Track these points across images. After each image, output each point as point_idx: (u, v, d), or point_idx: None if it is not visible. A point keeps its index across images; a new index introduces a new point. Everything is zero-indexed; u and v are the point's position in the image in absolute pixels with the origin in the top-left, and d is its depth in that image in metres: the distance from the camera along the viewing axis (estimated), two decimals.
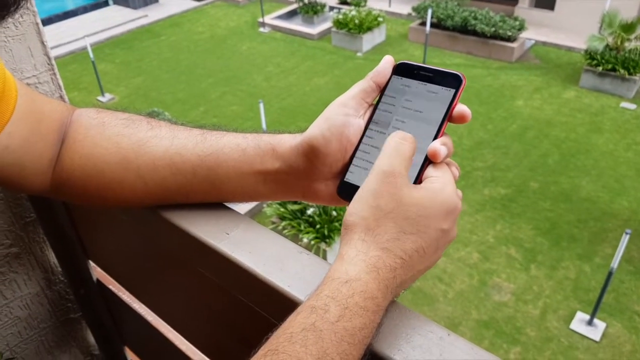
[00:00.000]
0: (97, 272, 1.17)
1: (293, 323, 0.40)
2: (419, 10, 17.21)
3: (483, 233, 9.20)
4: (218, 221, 0.60)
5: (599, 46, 13.54)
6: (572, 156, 11.14)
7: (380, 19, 17.16)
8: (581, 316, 7.51)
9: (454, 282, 8.20)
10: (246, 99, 13.98)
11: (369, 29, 16.79)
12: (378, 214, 0.45)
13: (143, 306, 1.10)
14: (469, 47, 16.29)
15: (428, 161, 0.49)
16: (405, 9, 19.08)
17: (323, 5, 18.91)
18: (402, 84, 0.52)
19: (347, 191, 0.51)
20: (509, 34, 15.56)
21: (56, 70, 0.95)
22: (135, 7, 21.68)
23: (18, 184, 0.61)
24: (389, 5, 20.12)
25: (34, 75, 0.93)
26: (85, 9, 22.30)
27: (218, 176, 0.57)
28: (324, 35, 17.73)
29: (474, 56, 16.08)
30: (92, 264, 1.16)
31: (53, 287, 1.18)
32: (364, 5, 18.93)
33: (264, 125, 10.38)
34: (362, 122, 0.53)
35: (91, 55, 13.32)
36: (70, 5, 23.01)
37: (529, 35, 16.55)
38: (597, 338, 7.23)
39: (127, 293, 1.14)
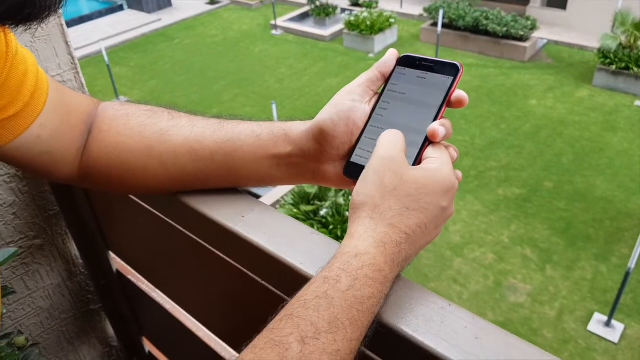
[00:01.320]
0: (117, 263, 1.20)
1: (307, 292, 0.44)
2: (431, 11, 17.18)
3: (498, 233, 9.15)
4: (234, 205, 0.63)
5: (612, 45, 13.40)
6: (587, 155, 11.04)
7: (391, 20, 17.15)
8: (599, 317, 7.43)
9: (469, 283, 8.16)
10: (259, 100, 14.06)
11: (381, 30, 16.79)
12: (383, 191, 0.48)
13: (161, 295, 1.14)
14: (481, 47, 16.22)
15: (428, 142, 0.53)
16: (417, 10, 19.04)
17: (335, 8, 18.94)
18: (405, 74, 0.56)
19: (353, 171, 0.55)
20: (521, 33, 15.46)
21: (79, 69, 1.00)
22: (149, 11, 21.89)
23: (48, 172, 0.65)
24: (401, 7, 20.09)
25: (58, 74, 0.98)
26: (100, 14, 22.56)
27: (235, 161, 0.60)
28: (336, 37, 17.76)
29: (486, 56, 16.00)
30: (112, 255, 1.19)
31: (74, 278, 1.22)
32: (376, 7, 18.93)
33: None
34: (367, 108, 0.57)
35: (106, 58, 13.49)
36: (86, 10, 23.31)
37: (541, 34, 16.43)
38: (616, 340, 7.14)
39: (146, 283, 1.17)
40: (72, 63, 0.97)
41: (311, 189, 7.93)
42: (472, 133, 12.19)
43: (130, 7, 22.72)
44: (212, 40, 18.66)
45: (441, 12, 15.49)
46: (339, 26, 17.70)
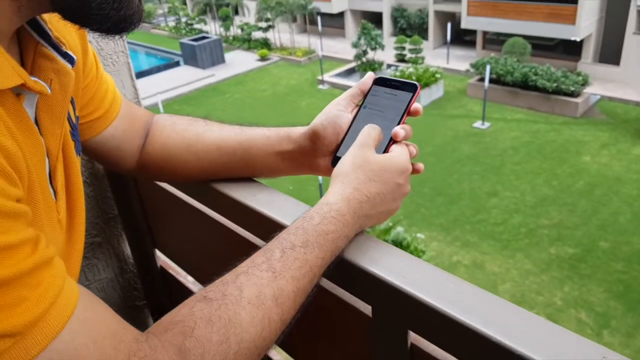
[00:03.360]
0: (161, 260, 1.34)
1: (292, 225, 0.63)
2: (478, 67, 17.25)
3: (550, 294, 8.70)
4: (249, 187, 0.84)
5: None
6: None
7: (437, 75, 17.32)
8: None
9: None
10: None
11: (427, 84, 16.95)
12: (353, 166, 0.66)
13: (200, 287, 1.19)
14: (531, 103, 16.04)
15: (392, 140, 0.71)
16: (464, 66, 19.18)
17: (381, 63, 19.36)
18: (379, 90, 0.75)
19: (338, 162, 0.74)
20: (572, 89, 15.24)
21: (140, 99, 1.22)
22: (203, 67, 23.01)
23: (117, 163, 0.85)
24: (447, 62, 20.31)
25: None
26: (158, 69, 23.91)
27: (251, 156, 0.80)
28: None
29: (535, 111, 15.79)
30: (157, 253, 1.33)
31: (125, 275, 1.36)
32: (422, 63, 19.21)
33: (320, 179, 10.49)
34: (350, 116, 0.75)
35: (161, 110, 14.16)
36: (146, 66, 24.75)
37: (594, 90, 16.13)
38: None
39: (187, 278, 1.26)
40: (135, 93, 1.20)
41: None
42: (523, 189, 11.88)
43: (186, 63, 23.96)
44: (262, 94, 19.32)
45: (488, 68, 15.52)
46: None
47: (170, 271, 1.31)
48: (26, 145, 0.48)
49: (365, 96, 0.76)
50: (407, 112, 0.71)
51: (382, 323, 0.65)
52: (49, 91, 0.53)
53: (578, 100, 15.19)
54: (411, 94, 0.71)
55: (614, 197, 11.24)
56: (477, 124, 15.28)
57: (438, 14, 22.92)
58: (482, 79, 16.40)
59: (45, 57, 0.55)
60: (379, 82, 0.75)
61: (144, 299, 1.42)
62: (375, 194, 0.65)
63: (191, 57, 23.44)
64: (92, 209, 1.22)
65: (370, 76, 0.77)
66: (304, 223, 0.61)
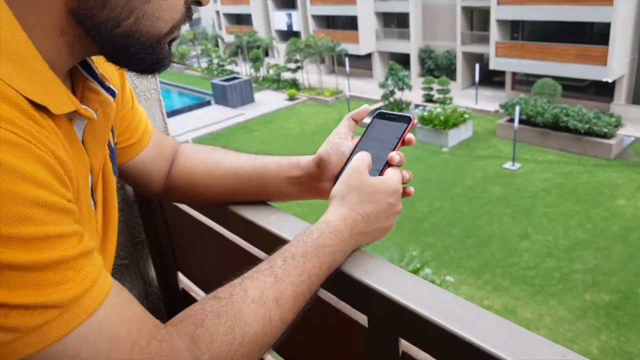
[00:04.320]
0: (183, 283, 1.39)
1: (294, 239, 0.70)
2: (507, 107, 17.15)
3: (586, 343, 8.27)
4: (262, 210, 0.92)
5: None
6: None
7: (466, 116, 17.26)
8: None
9: None
10: None
11: (455, 125, 16.89)
12: (349, 188, 0.74)
13: None
14: (562, 144, 15.78)
15: (387, 164, 0.78)
16: (493, 106, 19.11)
17: (408, 103, 19.46)
18: (377, 122, 0.84)
19: None
20: (605, 130, 14.95)
21: (169, 132, 1.32)
22: (234, 106, 23.56)
23: (146, 187, 0.94)
24: (476, 103, 20.28)
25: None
26: (190, 108, 24.58)
27: (264, 181, 0.89)
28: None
29: (567, 152, 15.50)
30: (180, 276, 1.39)
31: (149, 297, 1.42)
32: (449, 103, 19.23)
33: None
34: (350, 144, 0.84)
35: None
36: (178, 105, 25.48)
37: (627, 132, 15.79)
38: None
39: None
40: (165, 127, 1.30)
41: None
42: (555, 232, 11.53)
43: (217, 102, 24.59)
44: (289, 132, 19.56)
45: (518, 109, 15.40)
46: None
47: (192, 293, 1.36)
48: (75, 160, 0.57)
49: (366, 127, 0.85)
50: (402, 140, 0.80)
51: (376, 332, 0.71)
52: (96, 117, 0.63)
53: (611, 142, 14.88)
54: (406, 125, 0.80)
55: None
56: (508, 164, 15.07)
57: (466, 55, 23.08)
58: (511, 120, 16.27)
59: (92, 90, 0.67)
60: (379, 115, 0.84)
61: (167, 320, 1.39)
62: (370, 213, 0.73)
63: (222, 96, 24.07)
64: (122, 233, 1.27)
65: (364, 108, 0.87)
66: (304, 237, 0.69)
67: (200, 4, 0.63)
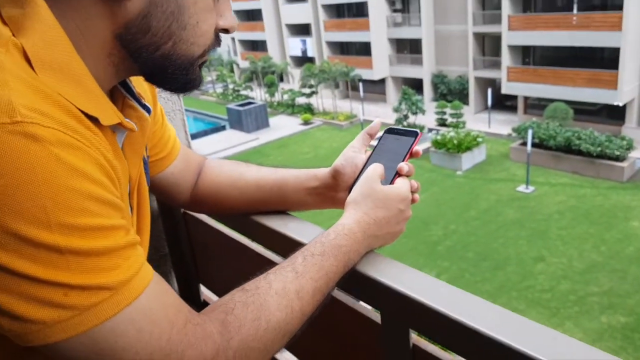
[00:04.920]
0: (205, 295, 1.44)
1: (312, 240, 0.76)
2: (520, 131, 17.26)
3: None
4: (282, 219, 0.99)
5: None
6: None
7: (479, 139, 17.39)
8: None
9: None
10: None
11: (468, 148, 17.02)
12: (362, 196, 0.81)
13: None
14: (574, 167, 15.86)
15: (397, 174, 0.85)
16: (505, 130, 19.23)
17: (422, 128, 19.63)
18: (388, 137, 0.91)
19: None
20: (617, 153, 15.02)
21: (192, 147, 1.37)
22: (248, 131, 23.86)
23: (174, 198, 1.01)
24: (489, 127, 20.42)
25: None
26: (205, 133, 24.91)
27: (284, 192, 0.96)
28: (423, 154, 18.17)
29: (580, 175, 15.55)
30: (202, 288, 1.42)
31: None
32: (462, 127, 19.39)
33: None
34: (364, 156, 0.91)
35: None
36: (193, 129, 25.85)
37: (639, 154, 15.86)
38: None
39: None
40: (188, 145, 1.37)
41: None
42: (570, 255, 11.57)
43: (232, 127, 24.90)
44: (304, 156, 19.81)
45: (530, 132, 15.53)
46: (426, 144, 18.17)
47: None
48: (118, 166, 0.63)
49: (377, 142, 0.93)
50: (410, 152, 0.87)
51: (389, 327, 0.77)
52: (136, 129, 0.70)
53: (624, 164, 14.93)
54: (413, 139, 0.88)
55: None
56: (521, 187, 15.13)
57: (478, 80, 23.32)
58: (524, 143, 16.38)
59: (130, 107, 0.75)
60: (389, 131, 0.93)
61: None
62: (382, 217, 0.80)
63: (237, 121, 24.39)
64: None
65: (377, 122, 0.98)
66: (322, 238, 0.75)
67: (227, 32, 0.71)
